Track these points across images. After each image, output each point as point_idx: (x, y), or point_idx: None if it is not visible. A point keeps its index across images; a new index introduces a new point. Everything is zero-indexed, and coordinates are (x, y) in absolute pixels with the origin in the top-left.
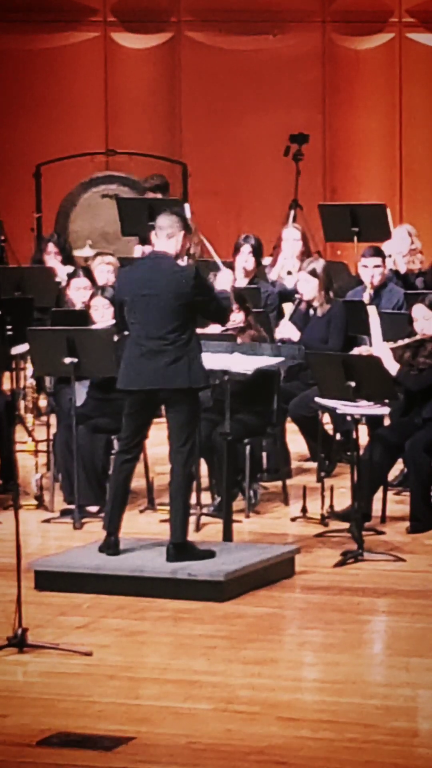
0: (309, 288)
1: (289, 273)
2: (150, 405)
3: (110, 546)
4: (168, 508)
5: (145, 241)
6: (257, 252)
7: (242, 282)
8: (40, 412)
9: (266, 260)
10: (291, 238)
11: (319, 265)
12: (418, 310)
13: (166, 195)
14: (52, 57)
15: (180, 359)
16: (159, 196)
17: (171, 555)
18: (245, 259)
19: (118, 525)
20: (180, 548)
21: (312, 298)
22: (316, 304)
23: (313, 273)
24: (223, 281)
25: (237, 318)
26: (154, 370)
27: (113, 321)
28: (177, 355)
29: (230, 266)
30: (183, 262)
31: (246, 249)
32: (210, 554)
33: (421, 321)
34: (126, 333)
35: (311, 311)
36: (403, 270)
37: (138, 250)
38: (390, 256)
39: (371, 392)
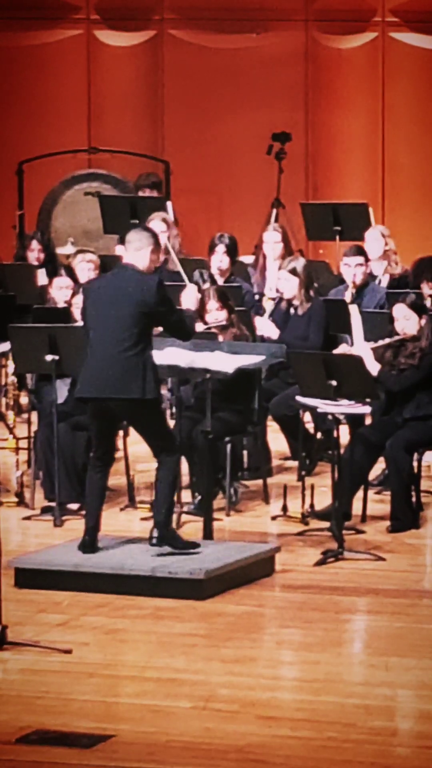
0: (289, 287)
1: (272, 299)
2: (108, 413)
3: (86, 545)
4: (149, 506)
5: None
6: (232, 251)
7: (218, 281)
8: (21, 409)
9: (248, 259)
10: (271, 240)
11: (299, 263)
12: (399, 310)
13: (159, 194)
14: (35, 54)
15: (134, 369)
16: (155, 192)
17: (154, 537)
18: (220, 258)
19: (97, 526)
20: (161, 527)
21: (292, 296)
22: (296, 302)
23: (293, 272)
24: (188, 298)
25: (219, 316)
26: (107, 379)
27: None
28: (132, 364)
29: (205, 266)
30: (162, 256)
31: (221, 248)
32: (195, 545)
33: (402, 321)
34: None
35: (292, 310)
36: (385, 281)
37: (119, 250)
38: (380, 282)
39: (352, 391)
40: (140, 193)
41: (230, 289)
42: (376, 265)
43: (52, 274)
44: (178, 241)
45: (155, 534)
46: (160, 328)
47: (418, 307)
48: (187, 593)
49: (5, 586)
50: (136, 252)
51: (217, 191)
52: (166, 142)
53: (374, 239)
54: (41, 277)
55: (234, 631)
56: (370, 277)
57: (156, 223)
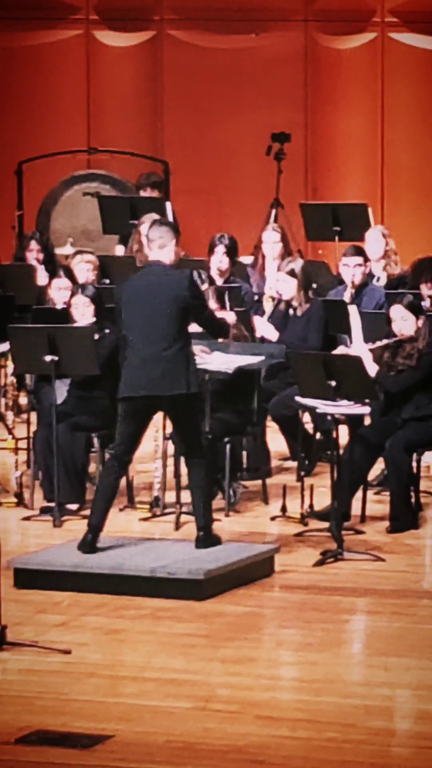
0: (288, 288)
1: (272, 299)
2: (146, 412)
3: (87, 544)
4: (148, 506)
5: (125, 240)
6: (231, 252)
7: (217, 282)
8: (21, 409)
9: (247, 259)
10: (271, 240)
11: (297, 265)
12: (396, 311)
13: (160, 194)
14: (35, 55)
15: (177, 365)
16: (156, 192)
17: (200, 540)
18: (219, 259)
19: (101, 526)
20: (206, 531)
21: (291, 297)
22: (295, 303)
23: (291, 273)
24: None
25: (226, 316)
26: (152, 377)
27: (94, 319)
28: (174, 360)
29: (205, 266)
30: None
31: (220, 249)
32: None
33: (399, 322)
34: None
35: (291, 311)
36: (384, 281)
37: (119, 250)
38: (378, 279)
39: (352, 392)
40: (141, 193)
41: (229, 290)
42: (377, 265)
43: (51, 274)
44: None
45: (201, 538)
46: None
47: (415, 308)
48: (187, 594)
49: (5, 586)
50: (161, 249)
51: (216, 192)
52: (166, 142)
53: (375, 240)
54: (41, 274)
55: (233, 631)
56: (369, 277)
57: (146, 226)
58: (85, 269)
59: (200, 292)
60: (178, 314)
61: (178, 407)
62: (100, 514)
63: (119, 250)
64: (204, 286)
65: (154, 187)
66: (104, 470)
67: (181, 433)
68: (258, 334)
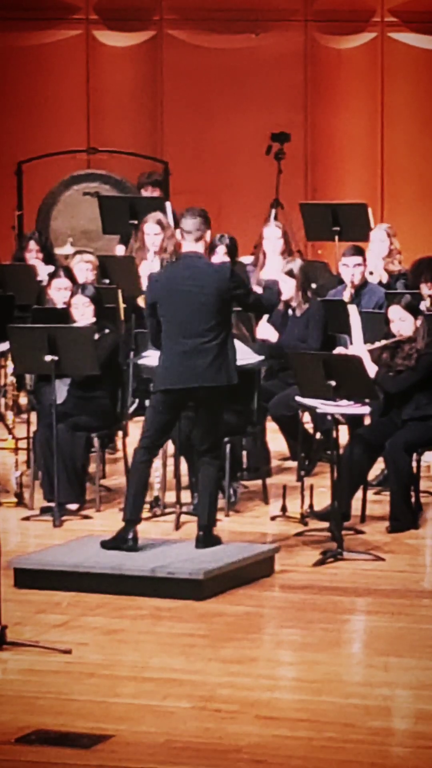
0: (286, 288)
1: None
2: (182, 403)
3: (126, 540)
4: (148, 506)
5: (126, 239)
6: (232, 252)
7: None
8: (21, 409)
9: (247, 259)
10: (273, 236)
11: (295, 265)
12: (395, 312)
13: (161, 193)
14: (34, 55)
15: (219, 357)
16: (157, 191)
17: (200, 540)
18: (220, 259)
19: (139, 517)
20: (207, 530)
21: (289, 298)
22: (294, 304)
23: (290, 273)
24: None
25: None
26: (195, 368)
27: (94, 319)
28: (216, 352)
29: None
30: (156, 261)
31: (221, 249)
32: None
33: (398, 322)
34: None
35: (290, 311)
36: (385, 279)
37: (120, 250)
38: (372, 273)
39: (351, 392)
40: (142, 192)
41: None
42: (380, 264)
43: (50, 274)
44: (173, 242)
45: (201, 537)
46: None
47: (414, 309)
48: (187, 594)
49: (5, 586)
50: (197, 242)
51: (216, 192)
52: (165, 142)
53: (379, 239)
54: (41, 271)
55: (233, 631)
56: (371, 275)
57: (150, 225)
58: (84, 269)
59: (242, 281)
60: (222, 307)
61: (213, 399)
62: (139, 503)
63: (119, 250)
64: None
65: (156, 185)
66: (134, 462)
67: (206, 427)
68: (258, 337)
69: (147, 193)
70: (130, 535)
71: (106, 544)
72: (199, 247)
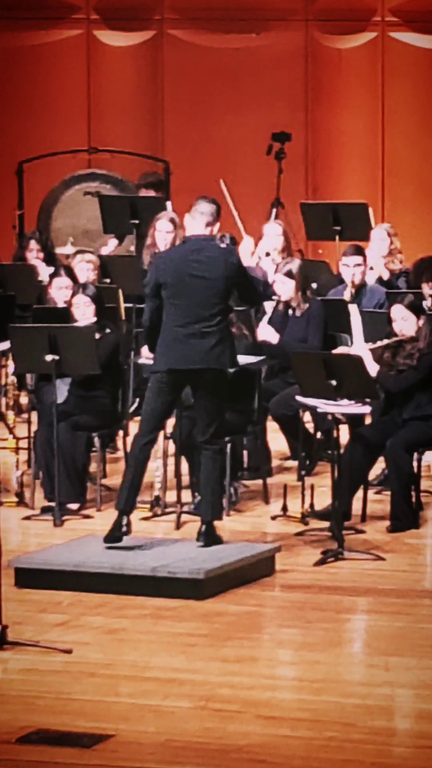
0: (286, 289)
1: (268, 254)
2: (181, 386)
3: (119, 529)
4: (149, 506)
5: (122, 239)
6: None
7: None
8: (21, 409)
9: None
10: (272, 233)
11: (294, 265)
12: (397, 311)
13: (159, 194)
14: (35, 54)
15: (222, 341)
16: (152, 192)
17: (201, 533)
18: None
19: (134, 505)
20: (209, 526)
21: (289, 298)
22: (294, 304)
23: (288, 274)
24: (245, 250)
25: None
26: (200, 351)
27: (94, 319)
28: (220, 336)
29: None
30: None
31: None
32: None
33: (400, 322)
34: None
35: (290, 312)
36: (386, 276)
37: (112, 244)
38: (372, 268)
39: (352, 391)
40: (141, 193)
41: None
42: (380, 263)
43: (51, 274)
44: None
45: (204, 531)
46: None
47: (416, 308)
48: (187, 593)
49: (5, 585)
50: (206, 227)
51: (216, 191)
52: (166, 142)
53: (380, 238)
54: (42, 270)
55: (234, 631)
56: (371, 271)
57: (163, 222)
58: (85, 269)
59: (246, 272)
60: (227, 291)
61: (217, 383)
62: (134, 493)
63: (111, 245)
64: None
65: (150, 187)
66: (132, 451)
67: (207, 413)
68: (259, 338)
69: (145, 194)
70: (125, 521)
71: (107, 540)
72: (207, 232)
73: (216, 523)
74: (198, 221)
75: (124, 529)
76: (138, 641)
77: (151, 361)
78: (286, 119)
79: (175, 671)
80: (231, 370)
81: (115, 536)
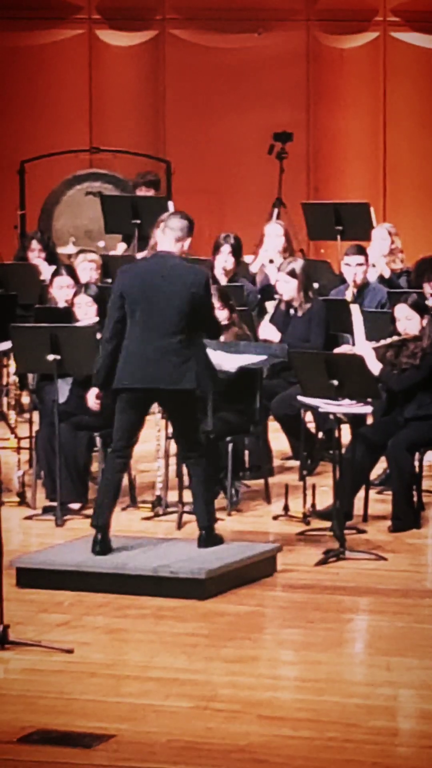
0: (288, 288)
1: (271, 261)
2: (147, 403)
3: (98, 543)
4: (150, 505)
5: (128, 239)
6: (237, 251)
7: (222, 281)
8: (23, 409)
9: (248, 258)
10: (273, 233)
11: (297, 265)
12: (401, 310)
13: (157, 193)
14: (37, 54)
15: (189, 360)
16: (152, 191)
17: (202, 539)
18: (225, 258)
19: (108, 523)
20: (209, 531)
21: (291, 298)
22: (295, 304)
23: (291, 273)
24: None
25: (221, 316)
26: (162, 369)
27: (96, 318)
28: (187, 355)
29: (210, 266)
30: None
31: (226, 249)
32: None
33: (404, 321)
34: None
35: (292, 311)
36: (387, 274)
37: (120, 248)
38: (374, 265)
39: (354, 391)
40: (137, 192)
41: (232, 289)
42: (381, 262)
43: (53, 273)
44: (189, 242)
45: (203, 537)
46: None
47: (420, 307)
48: (189, 593)
49: (7, 585)
50: (177, 242)
51: (218, 191)
52: (168, 141)
53: (381, 237)
54: (44, 270)
55: (235, 630)
56: (373, 268)
57: None
58: (88, 268)
59: (211, 297)
60: (192, 310)
61: (179, 403)
62: (107, 512)
63: (120, 249)
64: None
65: (150, 185)
66: (106, 467)
67: (180, 430)
68: (261, 337)
69: (141, 193)
70: (99, 538)
71: (94, 553)
72: (176, 249)
73: (217, 523)
74: (168, 236)
75: (97, 548)
76: (139, 641)
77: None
78: (287, 119)
79: (177, 671)
80: (232, 371)
81: (96, 552)
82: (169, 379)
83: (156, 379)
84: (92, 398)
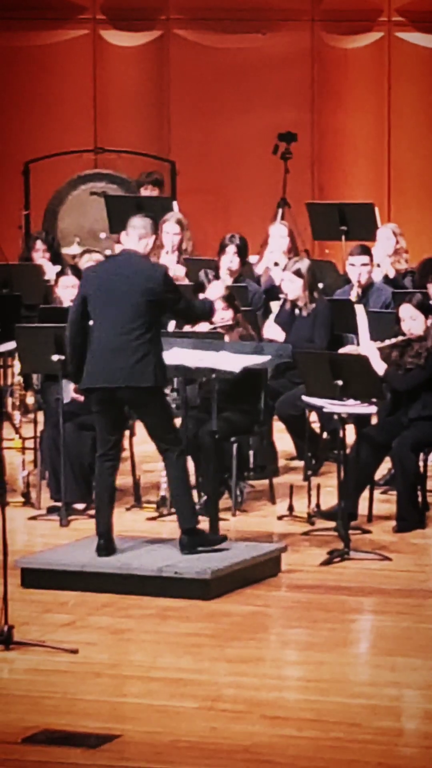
0: (293, 288)
1: (276, 264)
2: (115, 403)
3: (101, 548)
4: (155, 506)
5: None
6: (242, 252)
7: (227, 282)
8: (28, 409)
9: (253, 258)
10: (278, 234)
11: (303, 264)
12: (405, 310)
13: (161, 192)
14: (41, 54)
15: (145, 357)
16: (156, 190)
17: (184, 545)
18: (230, 259)
19: (110, 527)
20: (191, 533)
21: (296, 297)
22: (300, 303)
23: (297, 273)
24: (214, 293)
25: (225, 316)
26: (119, 368)
27: None
28: (143, 352)
29: (215, 267)
30: (174, 257)
31: (231, 249)
32: (222, 539)
33: (408, 321)
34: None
35: (296, 311)
36: (392, 274)
37: (118, 248)
38: (379, 265)
39: (358, 391)
40: (142, 191)
41: (237, 290)
42: (385, 262)
43: (58, 272)
44: (191, 244)
45: (184, 541)
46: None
47: (425, 307)
48: (193, 593)
49: (11, 586)
50: (140, 240)
51: (223, 191)
52: (172, 142)
53: (386, 237)
54: (48, 270)
55: (240, 631)
56: (378, 268)
57: (170, 224)
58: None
59: (175, 286)
60: (149, 306)
61: (145, 400)
62: (106, 517)
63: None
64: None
65: (156, 185)
66: (97, 473)
67: (150, 428)
68: (265, 336)
69: (147, 192)
70: (102, 543)
71: (99, 555)
72: (140, 247)
73: (222, 522)
74: (132, 236)
75: (102, 553)
76: (144, 641)
77: (80, 397)
78: (292, 119)
79: (181, 671)
80: (237, 371)
81: (101, 555)
82: (128, 377)
83: (115, 378)
84: (72, 391)
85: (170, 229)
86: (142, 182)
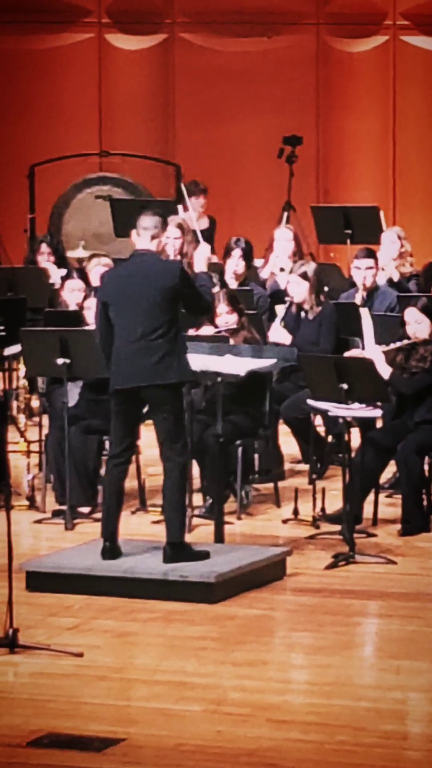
0: (299, 291)
1: (282, 270)
2: (138, 402)
3: (107, 551)
4: (160, 509)
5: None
6: (248, 255)
7: (232, 285)
8: (33, 412)
9: (258, 262)
10: (283, 238)
11: (310, 268)
12: (411, 314)
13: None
14: (46, 58)
15: (169, 355)
16: (201, 198)
17: (167, 556)
18: (236, 262)
19: (116, 530)
20: (176, 548)
21: (302, 300)
22: (306, 306)
23: (303, 276)
24: (201, 258)
25: (230, 319)
26: (145, 367)
27: None
28: (166, 350)
29: (220, 270)
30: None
31: (237, 253)
32: (205, 555)
33: (413, 324)
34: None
35: (302, 314)
36: (396, 278)
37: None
38: (383, 269)
39: (363, 394)
40: (193, 199)
41: (241, 293)
42: (390, 265)
43: (63, 276)
44: (193, 247)
45: (168, 553)
46: None
47: (430, 311)
48: (199, 597)
49: (16, 589)
50: (151, 241)
51: (228, 194)
52: (177, 145)
53: (390, 241)
54: (54, 274)
55: (245, 634)
56: (382, 272)
57: (170, 229)
58: (101, 272)
59: (191, 281)
60: (170, 304)
61: (164, 398)
62: (113, 521)
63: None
64: (215, 289)
65: (204, 193)
66: (106, 476)
67: (161, 431)
68: (271, 339)
69: (199, 200)
70: (107, 546)
71: (104, 558)
72: (153, 246)
73: (227, 526)
74: (143, 237)
75: (107, 556)
76: (149, 645)
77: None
78: (297, 122)
79: (186, 675)
80: (242, 374)
81: (106, 558)
82: (154, 375)
83: (139, 377)
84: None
85: (171, 234)
86: (192, 191)
